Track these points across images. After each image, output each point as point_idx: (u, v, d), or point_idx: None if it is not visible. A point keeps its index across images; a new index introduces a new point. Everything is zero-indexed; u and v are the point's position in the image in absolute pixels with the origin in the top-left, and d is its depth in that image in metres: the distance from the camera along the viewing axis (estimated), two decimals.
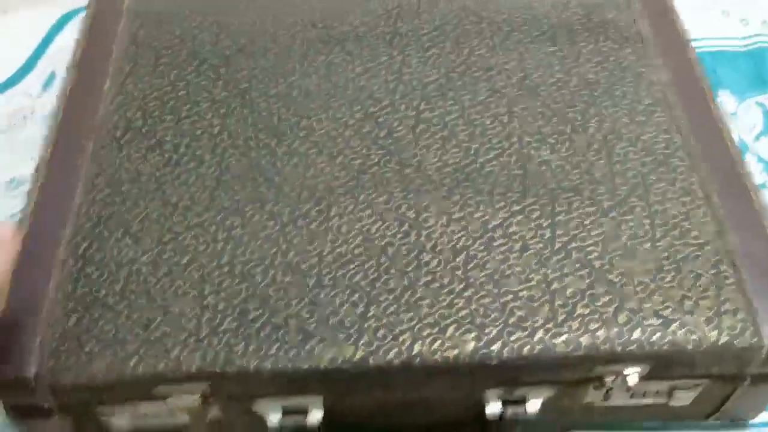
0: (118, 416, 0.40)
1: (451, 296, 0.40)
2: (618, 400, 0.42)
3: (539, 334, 0.38)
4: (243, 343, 0.38)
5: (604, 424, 0.46)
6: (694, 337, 0.38)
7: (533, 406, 0.40)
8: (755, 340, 0.38)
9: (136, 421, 0.41)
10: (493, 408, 0.40)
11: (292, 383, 0.38)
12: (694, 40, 0.54)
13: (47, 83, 0.65)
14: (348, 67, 0.51)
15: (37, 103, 0.64)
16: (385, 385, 0.39)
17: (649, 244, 0.42)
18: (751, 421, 0.46)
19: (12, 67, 0.66)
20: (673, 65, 0.51)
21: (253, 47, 0.52)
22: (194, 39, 0.53)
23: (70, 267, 0.41)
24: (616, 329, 0.38)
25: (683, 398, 0.42)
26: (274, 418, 0.40)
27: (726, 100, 0.63)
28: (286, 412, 0.40)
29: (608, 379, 0.39)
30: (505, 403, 0.40)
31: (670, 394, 0.42)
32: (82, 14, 0.58)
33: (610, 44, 0.52)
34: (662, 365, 0.39)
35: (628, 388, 0.38)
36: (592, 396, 0.41)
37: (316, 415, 0.40)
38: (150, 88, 0.50)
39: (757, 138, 0.61)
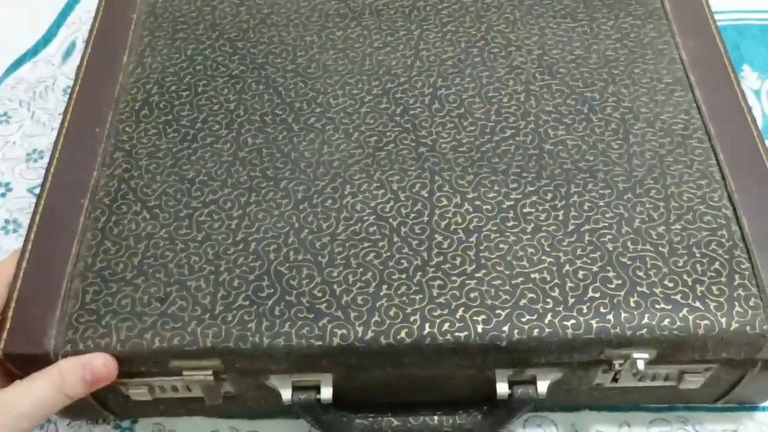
0: (137, 388, 0.41)
1: (463, 277, 0.40)
2: (627, 382, 0.42)
3: (549, 317, 0.39)
4: (256, 320, 0.39)
5: (612, 405, 0.46)
6: (704, 322, 0.38)
7: (542, 386, 0.41)
8: (766, 327, 0.38)
9: (154, 393, 0.42)
10: (503, 388, 0.41)
11: (303, 361, 0.39)
12: (716, 12, 0.53)
13: (68, 52, 0.66)
14: (365, 42, 0.51)
15: (59, 73, 0.64)
16: (395, 364, 0.40)
17: (663, 228, 0.41)
18: (761, 404, 0.46)
19: (34, 37, 0.67)
20: (696, 42, 0.50)
21: (273, 20, 0.52)
22: (213, 10, 0.53)
23: (88, 240, 0.42)
24: (625, 314, 0.39)
25: (693, 382, 0.42)
26: (286, 393, 0.41)
27: (748, 77, 0.62)
28: (296, 388, 0.41)
29: (617, 363, 0.39)
30: (514, 383, 0.41)
31: (679, 377, 0.42)
32: None
33: (631, 20, 0.51)
34: (671, 350, 0.39)
35: (637, 372, 0.39)
36: (601, 378, 0.42)
37: (327, 391, 0.41)
38: (167, 61, 0.50)
39: None
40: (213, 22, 0.52)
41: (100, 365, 0.38)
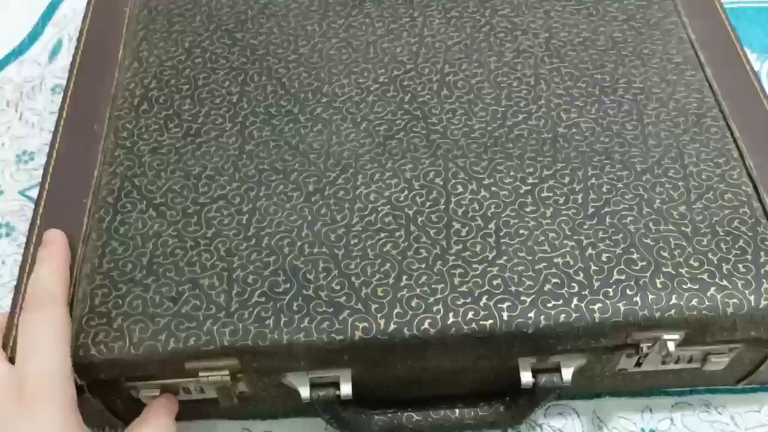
0: (148, 390, 0.40)
1: (484, 264, 0.39)
2: (650, 366, 0.41)
3: (575, 301, 0.38)
4: (274, 317, 0.37)
5: (634, 390, 0.45)
6: (733, 301, 0.38)
7: (567, 374, 0.40)
8: None
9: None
10: (527, 377, 0.40)
11: (324, 356, 0.38)
12: None
13: (54, 51, 0.64)
14: (368, 30, 0.49)
15: (46, 72, 0.62)
16: (418, 356, 0.39)
17: (684, 207, 0.41)
18: None
19: (19, 36, 0.65)
20: (703, 21, 0.50)
21: (271, 9, 0.51)
22: (210, 1, 0.52)
23: (94, 241, 0.40)
24: (653, 295, 0.38)
25: (717, 363, 0.41)
26: (304, 391, 0.39)
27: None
28: (314, 385, 0.39)
29: (644, 345, 0.38)
30: (538, 371, 0.40)
31: (704, 359, 0.41)
32: None
33: (636, 1, 0.51)
34: (700, 330, 0.38)
35: (667, 354, 0.38)
36: (625, 363, 0.41)
37: (346, 387, 0.39)
38: (165, 55, 0.48)
39: None
40: (210, 14, 0.51)
41: None
